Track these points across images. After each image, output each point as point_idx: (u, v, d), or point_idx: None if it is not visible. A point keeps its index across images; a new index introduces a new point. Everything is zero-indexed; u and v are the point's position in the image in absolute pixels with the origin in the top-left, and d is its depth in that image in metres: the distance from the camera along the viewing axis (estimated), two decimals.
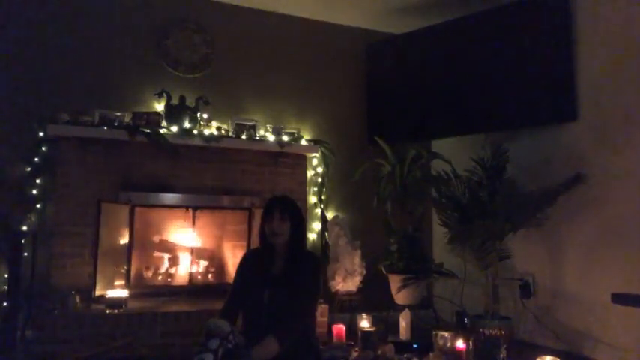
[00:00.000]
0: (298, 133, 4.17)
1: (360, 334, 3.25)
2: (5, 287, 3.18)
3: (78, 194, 3.50)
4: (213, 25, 4.18)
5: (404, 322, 3.44)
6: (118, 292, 3.34)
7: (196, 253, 4.01)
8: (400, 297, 3.68)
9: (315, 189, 4.36)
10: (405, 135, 4.28)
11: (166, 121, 3.72)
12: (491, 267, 3.31)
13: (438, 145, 4.41)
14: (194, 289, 3.84)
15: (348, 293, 3.93)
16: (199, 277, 3.98)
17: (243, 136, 3.92)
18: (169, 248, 3.99)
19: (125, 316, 3.15)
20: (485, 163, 3.43)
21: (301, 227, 2.37)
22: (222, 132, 3.90)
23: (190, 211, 3.95)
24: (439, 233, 4.16)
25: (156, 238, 3.98)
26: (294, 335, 2.11)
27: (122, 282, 3.58)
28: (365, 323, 3.45)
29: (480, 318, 3.25)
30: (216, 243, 4.15)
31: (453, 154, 3.82)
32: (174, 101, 3.80)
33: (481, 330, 3.13)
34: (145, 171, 3.71)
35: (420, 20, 4.31)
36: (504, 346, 2.89)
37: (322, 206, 4.34)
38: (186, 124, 3.74)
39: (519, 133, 3.76)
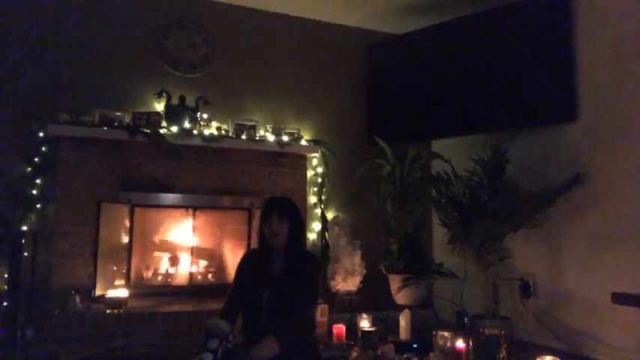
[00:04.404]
0: (298, 133, 4.17)
1: (360, 334, 3.25)
2: (5, 287, 3.18)
3: (78, 194, 3.50)
4: (213, 25, 4.18)
5: (404, 322, 3.44)
6: (118, 292, 3.34)
7: (196, 253, 4.01)
8: (400, 297, 3.68)
9: (315, 189, 4.36)
10: (405, 135, 4.28)
11: (166, 121, 3.73)
12: (492, 267, 3.31)
13: (438, 145, 4.40)
14: (194, 289, 3.85)
15: (348, 293, 3.93)
16: (199, 277, 3.99)
17: (243, 136, 3.92)
18: (169, 248, 3.99)
19: (125, 316, 3.15)
20: (485, 163, 3.43)
21: (300, 228, 2.36)
22: (222, 132, 3.90)
23: (190, 211, 3.95)
24: (439, 233, 4.16)
25: (156, 238, 3.98)
26: (294, 335, 2.11)
27: (122, 282, 3.58)
28: (365, 323, 3.44)
29: (480, 318, 3.24)
30: (216, 243, 4.15)
31: (453, 154, 3.82)
32: (174, 101, 3.80)
33: (481, 330, 3.13)
34: (145, 171, 3.72)
35: (420, 20, 4.31)
36: (504, 346, 2.89)
37: (322, 206, 4.34)
38: (186, 124, 3.74)
39: (519, 133, 3.76)
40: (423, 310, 3.73)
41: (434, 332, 3.08)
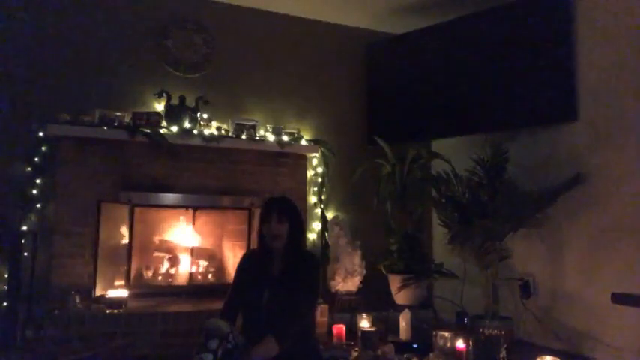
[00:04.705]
0: (298, 133, 4.17)
1: (360, 334, 3.25)
2: (5, 287, 3.18)
3: (78, 194, 3.50)
4: (213, 25, 4.18)
5: (404, 322, 3.44)
6: (118, 292, 3.34)
7: (196, 253, 4.01)
8: (400, 297, 3.69)
9: (315, 189, 4.36)
10: (405, 135, 4.28)
11: (166, 121, 3.72)
12: (492, 267, 3.31)
13: (438, 145, 4.41)
14: (194, 289, 3.84)
15: (348, 293, 3.93)
16: (199, 277, 3.98)
17: (243, 136, 3.92)
18: (169, 248, 3.99)
19: (125, 316, 3.15)
20: (485, 163, 3.43)
21: (300, 228, 2.36)
22: (222, 132, 3.90)
23: (190, 211, 3.95)
24: (439, 233, 4.16)
25: (156, 238, 3.98)
26: (294, 335, 2.11)
27: (122, 282, 3.58)
28: (365, 323, 3.45)
29: (480, 318, 3.25)
30: (216, 243, 4.15)
31: (453, 154, 3.82)
32: (174, 101, 3.80)
33: (481, 330, 3.13)
34: (145, 171, 3.71)
35: (420, 20, 4.31)
36: (504, 346, 2.89)
37: (322, 206, 4.33)
38: (186, 124, 3.74)
39: (519, 133, 3.76)
40: (423, 310, 3.74)
41: (434, 332, 3.08)
